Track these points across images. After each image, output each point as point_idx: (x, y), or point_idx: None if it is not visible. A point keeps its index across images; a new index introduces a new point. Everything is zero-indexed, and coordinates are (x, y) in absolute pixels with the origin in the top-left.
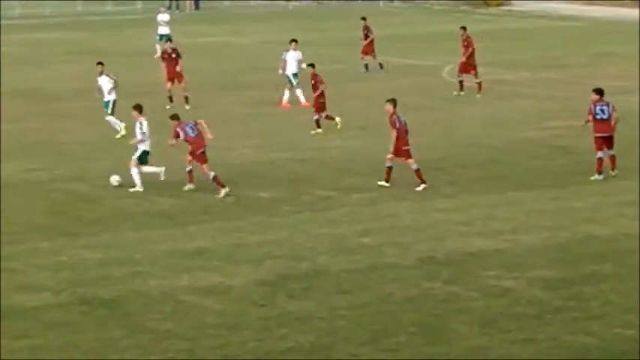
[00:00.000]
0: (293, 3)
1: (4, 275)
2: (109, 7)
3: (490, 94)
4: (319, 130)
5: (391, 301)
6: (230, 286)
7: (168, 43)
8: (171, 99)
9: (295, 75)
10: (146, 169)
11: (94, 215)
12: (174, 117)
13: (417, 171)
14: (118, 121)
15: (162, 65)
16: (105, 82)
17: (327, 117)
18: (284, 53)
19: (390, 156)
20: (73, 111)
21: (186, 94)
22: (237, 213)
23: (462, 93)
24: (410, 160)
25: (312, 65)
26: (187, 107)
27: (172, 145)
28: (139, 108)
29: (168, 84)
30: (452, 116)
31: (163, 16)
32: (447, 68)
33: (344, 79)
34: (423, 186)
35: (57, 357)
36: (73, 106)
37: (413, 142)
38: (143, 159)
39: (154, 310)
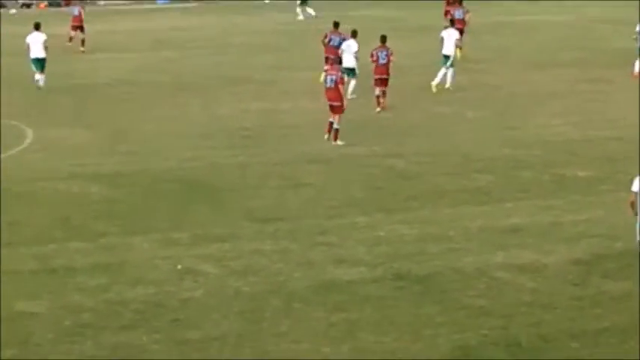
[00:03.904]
0: None
1: (322, 249)
2: None
3: None
4: None
5: None
6: (545, 264)
7: None
8: None
9: None
10: None
11: (410, 191)
12: None
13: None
14: None
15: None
16: None
17: None
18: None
19: None
20: (396, 88)
21: None
22: (554, 191)
23: None
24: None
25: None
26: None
27: None
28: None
29: None
30: None
31: None
32: None
33: None
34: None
35: (372, 331)
36: (396, 83)
37: None
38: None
39: (469, 287)
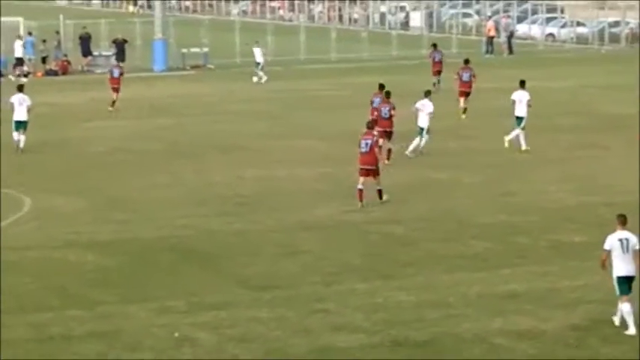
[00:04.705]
0: (606, 47)
1: (320, 316)
2: (423, 51)
3: None
4: None
5: None
6: (543, 330)
7: None
8: None
9: None
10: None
11: (409, 258)
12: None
13: None
14: None
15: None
16: None
17: None
18: None
19: None
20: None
21: None
22: (551, 257)
23: None
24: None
25: None
26: None
27: None
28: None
29: None
30: None
31: (257, 50)
32: None
33: None
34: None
35: None
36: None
37: None
38: None
39: (467, 353)
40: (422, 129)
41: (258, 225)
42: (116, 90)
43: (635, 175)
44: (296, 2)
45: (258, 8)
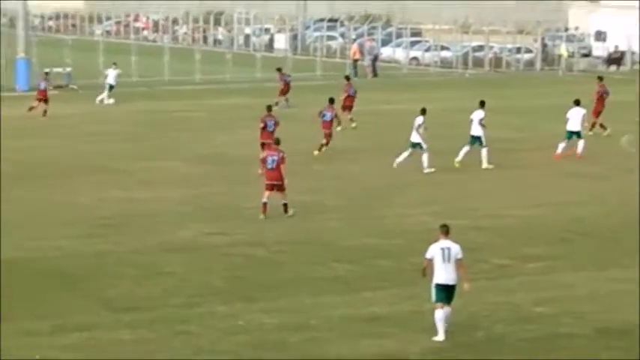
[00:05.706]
0: (470, 71)
1: (181, 338)
2: (288, 72)
3: None
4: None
5: None
6: (406, 353)
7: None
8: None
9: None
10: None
11: (271, 280)
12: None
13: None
14: None
15: None
16: None
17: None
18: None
19: None
20: (256, 176)
21: None
22: (414, 280)
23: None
24: None
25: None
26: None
27: None
28: None
29: None
30: (627, 185)
31: (112, 72)
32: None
33: (524, 147)
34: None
35: None
36: (255, 171)
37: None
38: None
39: None
40: (414, 144)
41: (120, 246)
42: (43, 100)
43: (498, 198)
44: (160, 23)
45: (122, 29)
